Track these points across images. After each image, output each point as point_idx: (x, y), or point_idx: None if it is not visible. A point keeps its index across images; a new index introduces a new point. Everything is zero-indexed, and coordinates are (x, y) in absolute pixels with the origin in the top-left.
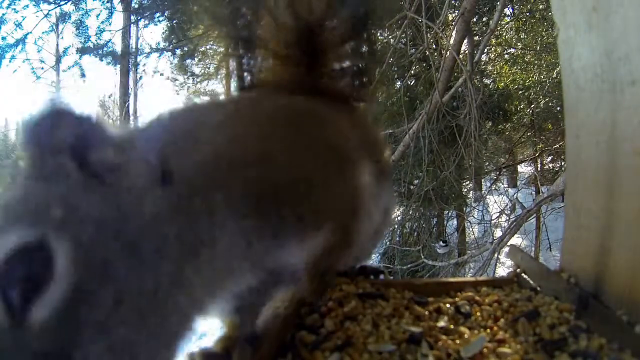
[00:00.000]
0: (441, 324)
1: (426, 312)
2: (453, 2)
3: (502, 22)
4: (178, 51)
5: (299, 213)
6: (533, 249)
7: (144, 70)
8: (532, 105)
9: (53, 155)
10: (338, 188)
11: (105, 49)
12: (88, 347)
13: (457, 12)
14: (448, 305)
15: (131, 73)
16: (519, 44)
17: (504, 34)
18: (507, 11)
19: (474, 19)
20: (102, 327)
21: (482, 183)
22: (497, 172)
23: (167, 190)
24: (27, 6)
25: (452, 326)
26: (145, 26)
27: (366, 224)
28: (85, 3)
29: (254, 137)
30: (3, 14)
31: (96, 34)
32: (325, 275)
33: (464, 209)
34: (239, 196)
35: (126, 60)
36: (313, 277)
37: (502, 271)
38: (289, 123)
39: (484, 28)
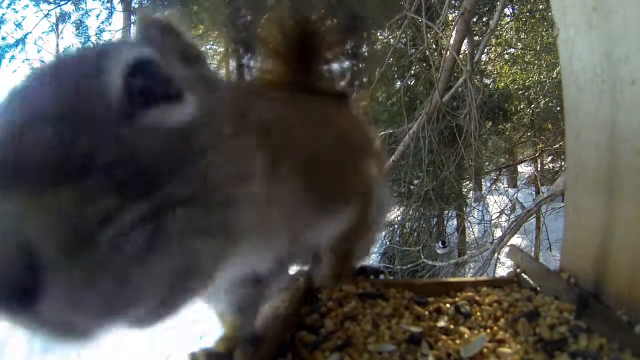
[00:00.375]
0: (441, 324)
1: (426, 312)
2: (453, 2)
3: (502, 22)
4: None
5: (332, 192)
6: (533, 249)
7: None
8: (532, 105)
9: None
10: (360, 175)
11: None
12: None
13: (457, 12)
14: (448, 305)
15: None
16: (519, 44)
17: (504, 34)
18: (507, 11)
19: (474, 19)
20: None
21: (482, 183)
22: (497, 172)
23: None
24: (27, 6)
25: (452, 326)
26: None
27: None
28: (85, 3)
29: (302, 126)
30: (3, 14)
31: (96, 34)
32: (345, 263)
33: (464, 209)
34: (290, 166)
35: None
36: (333, 261)
37: (502, 271)
38: (321, 120)
39: (484, 28)
